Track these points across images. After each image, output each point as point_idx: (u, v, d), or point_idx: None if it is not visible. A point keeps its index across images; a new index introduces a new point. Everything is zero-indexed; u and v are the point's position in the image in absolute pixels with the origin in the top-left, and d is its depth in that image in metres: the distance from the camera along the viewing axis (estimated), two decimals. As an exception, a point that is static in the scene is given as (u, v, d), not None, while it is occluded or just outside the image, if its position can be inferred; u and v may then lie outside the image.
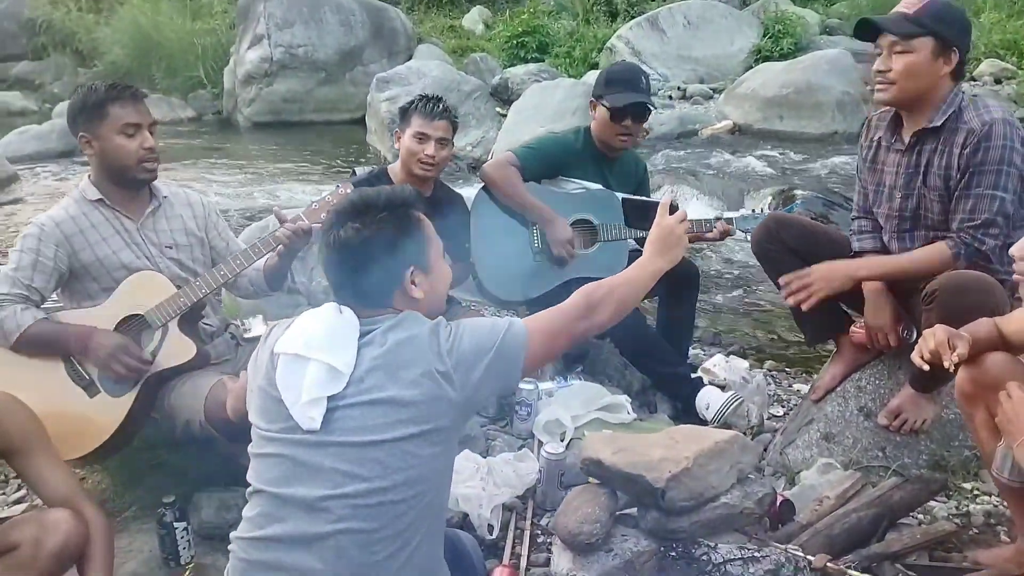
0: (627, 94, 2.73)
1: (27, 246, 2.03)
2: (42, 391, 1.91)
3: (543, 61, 10.15)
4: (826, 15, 11.51)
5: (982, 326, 1.70)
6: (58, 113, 9.22)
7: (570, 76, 9.16)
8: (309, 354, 1.34)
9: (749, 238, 2.49)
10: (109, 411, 1.98)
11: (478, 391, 1.39)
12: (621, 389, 2.69)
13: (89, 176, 2.16)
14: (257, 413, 1.41)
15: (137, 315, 2.03)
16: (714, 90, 9.15)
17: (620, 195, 2.82)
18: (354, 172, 3.16)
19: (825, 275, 2.14)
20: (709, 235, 2.68)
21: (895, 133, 2.19)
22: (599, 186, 2.84)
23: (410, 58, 9.90)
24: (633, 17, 10.72)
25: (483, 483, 2.02)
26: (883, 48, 2.06)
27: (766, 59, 9.36)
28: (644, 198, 2.89)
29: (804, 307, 2.18)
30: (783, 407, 2.94)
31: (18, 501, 2.28)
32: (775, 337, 3.79)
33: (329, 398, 1.31)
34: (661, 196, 6.11)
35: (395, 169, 2.69)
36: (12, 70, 12.22)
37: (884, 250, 2.26)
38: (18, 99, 11.03)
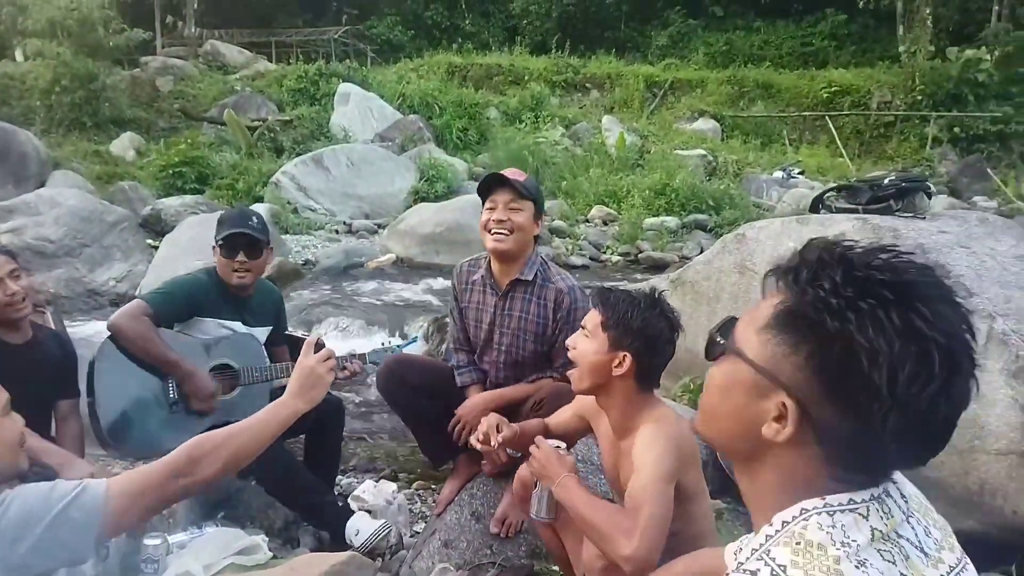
0: (232, 230, 2.79)
1: None
2: None
3: (203, 193, 9.90)
4: (473, 163, 13.23)
5: (534, 423, 2.13)
6: None
7: (233, 209, 9.08)
8: None
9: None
10: None
11: (29, 564, 1.27)
12: (263, 529, 2.66)
13: None
14: None
15: None
16: (379, 226, 9.76)
17: (264, 337, 2.88)
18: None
19: (470, 413, 2.56)
20: (342, 374, 2.68)
21: (490, 278, 2.65)
22: (242, 327, 2.87)
23: (42, 184, 8.97)
24: (299, 154, 11.14)
25: (88, 658, 1.84)
26: (499, 204, 2.52)
27: (423, 199, 10.31)
28: (295, 334, 2.97)
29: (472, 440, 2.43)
30: (426, 523, 3.15)
31: None
32: (423, 458, 4.06)
33: None
34: (321, 329, 6.24)
35: None
36: None
37: (483, 380, 2.68)
38: None
